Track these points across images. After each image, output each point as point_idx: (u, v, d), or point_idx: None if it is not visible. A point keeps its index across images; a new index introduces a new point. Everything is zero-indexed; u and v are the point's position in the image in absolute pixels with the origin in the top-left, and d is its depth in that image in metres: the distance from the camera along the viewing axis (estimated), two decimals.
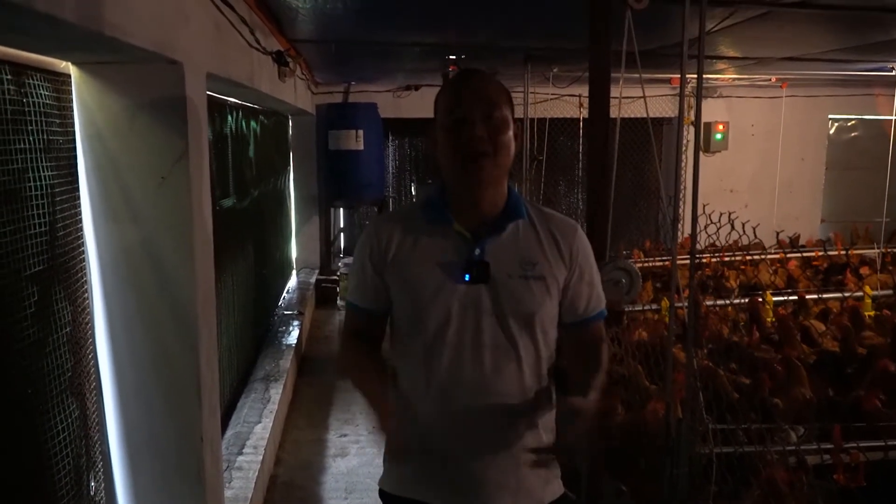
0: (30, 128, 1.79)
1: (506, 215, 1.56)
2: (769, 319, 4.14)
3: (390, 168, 8.81)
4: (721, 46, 4.84)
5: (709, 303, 4.14)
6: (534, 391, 1.56)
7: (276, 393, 4.24)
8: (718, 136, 8.51)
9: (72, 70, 2.04)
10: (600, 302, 1.65)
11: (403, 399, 1.60)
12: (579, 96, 7.50)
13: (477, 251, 1.52)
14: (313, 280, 7.41)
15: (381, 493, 1.67)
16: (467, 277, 1.50)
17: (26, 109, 1.77)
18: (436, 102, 1.57)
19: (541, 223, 1.59)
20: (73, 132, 2.07)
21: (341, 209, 8.13)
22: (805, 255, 6.03)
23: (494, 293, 1.51)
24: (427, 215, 1.58)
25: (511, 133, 1.52)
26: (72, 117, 2.06)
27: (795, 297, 4.36)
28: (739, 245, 5.48)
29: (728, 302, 4.16)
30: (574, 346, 1.64)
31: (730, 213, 4.15)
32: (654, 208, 8.87)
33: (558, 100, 7.26)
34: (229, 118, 4.11)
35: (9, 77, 1.70)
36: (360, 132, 7.15)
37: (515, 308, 1.52)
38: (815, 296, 4.56)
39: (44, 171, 1.84)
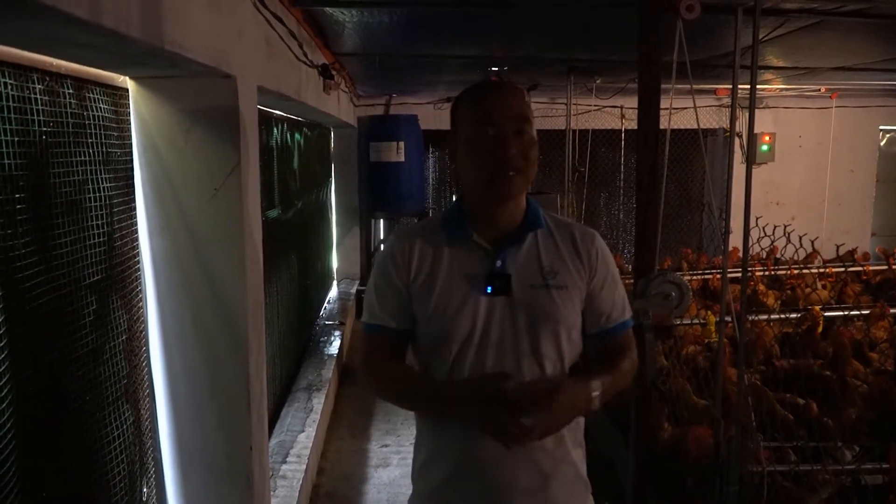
0: (90, 140, 1.83)
1: (524, 226, 1.56)
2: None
3: (430, 180, 8.83)
4: (770, 56, 4.76)
5: (762, 317, 4.05)
6: None
7: (319, 402, 4.26)
8: (765, 147, 8.34)
9: (129, 84, 2.10)
10: (626, 311, 1.63)
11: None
12: (621, 107, 7.45)
13: (498, 263, 1.51)
14: (353, 291, 7.46)
15: None
16: (489, 289, 1.50)
17: (86, 123, 1.82)
18: (454, 111, 1.56)
19: (559, 232, 1.58)
20: (130, 145, 2.12)
21: (382, 220, 8.18)
22: (864, 269, 5.85)
23: (517, 304, 1.50)
24: (446, 229, 1.58)
25: (537, 147, 1.53)
26: (129, 130, 2.11)
27: (855, 313, 4.24)
28: (793, 260, 5.34)
29: (783, 316, 4.05)
30: (599, 356, 1.61)
31: (785, 226, 4.04)
32: (698, 220, 8.75)
33: (600, 111, 7.22)
34: (275, 130, 4.18)
35: (70, 91, 1.74)
36: (401, 144, 7.19)
37: (539, 318, 1.50)
38: (865, 311, 4.43)
39: (102, 183, 1.88)
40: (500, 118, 1.48)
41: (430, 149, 8.49)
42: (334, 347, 5.42)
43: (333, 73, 4.39)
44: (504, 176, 1.47)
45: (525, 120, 1.49)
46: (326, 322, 6.18)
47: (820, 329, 4.08)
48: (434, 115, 7.88)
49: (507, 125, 1.47)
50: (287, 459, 3.50)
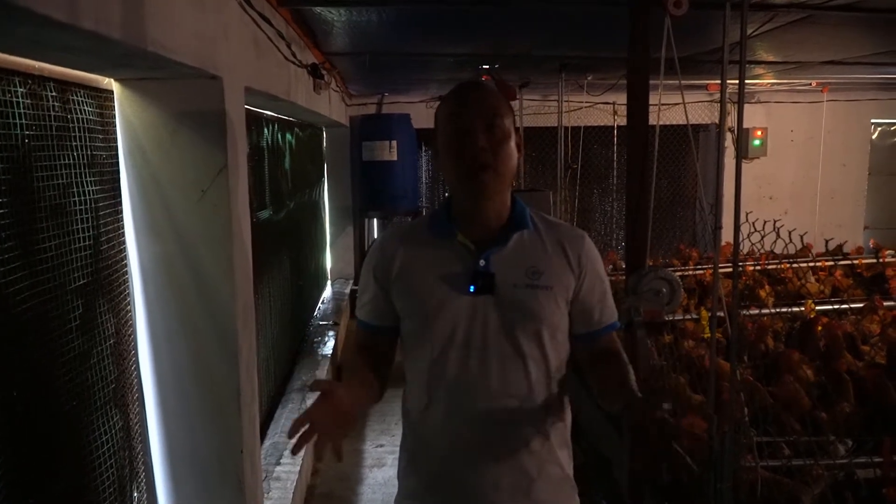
0: (74, 143, 1.82)
1: (510, 226, 1.55)
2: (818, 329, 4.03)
3: (424, 178, 8.82)
4: (760, 51, 4.76)
5: (753, 312, 4.05)
6: (542, 401, 1.54)
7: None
8: (757, 142, 8.36)
9: (114, 86, 2.08)
10: (613, 313, 1.63)
11: (412, 410, 1.60)
12: (613, 104, 7.45)
13: (482, 262, 1.51)
14: (348, 290, 7.44)
15: None
16: (472, 289, 1.50)
17: (71, 125, 1.80)
18: (436, 115, 1.57)
19: (547, 233, 1.58)
20: (116, 147, 2.10)
21: (375, 220, 8.17)
22: (858, 263, 5.87)
23: (500, 303, 1.50)
24: (432, 228, 1.59)
25: (512, 143, 1.52)
26: (114, 132, 2.09)
27: (845, 306, 4.24)
28: (784, 254, 5.35)
29: (775, 311, 4.06)
30: (590, 358, 1.61)
31: (775, 221, 4.05)
32: (691, 217, 8.76)
33: (592, 108, 7.22)
34: (265, 131, 4.16)
35: (54, 94, 1.73)
36: (394, 143, 7.17)
37: (522, 318, 1.50)
38: (860, 304, 4.44)
39: (88, 186, 1.87)
40: (468, 114, 1.49)
41: (423, 147, 8.48)
42: (328, 348, 5.40)
43: (324, 72, 4.37)
44: (473, 171, 1.48)
45: (496, 114, 1.49)
46: (320, 322, 6.16)
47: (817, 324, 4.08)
48: (426, 113, 7.86)
49: (476, 121, 1.48)
50: (281, 461, 3.49)
